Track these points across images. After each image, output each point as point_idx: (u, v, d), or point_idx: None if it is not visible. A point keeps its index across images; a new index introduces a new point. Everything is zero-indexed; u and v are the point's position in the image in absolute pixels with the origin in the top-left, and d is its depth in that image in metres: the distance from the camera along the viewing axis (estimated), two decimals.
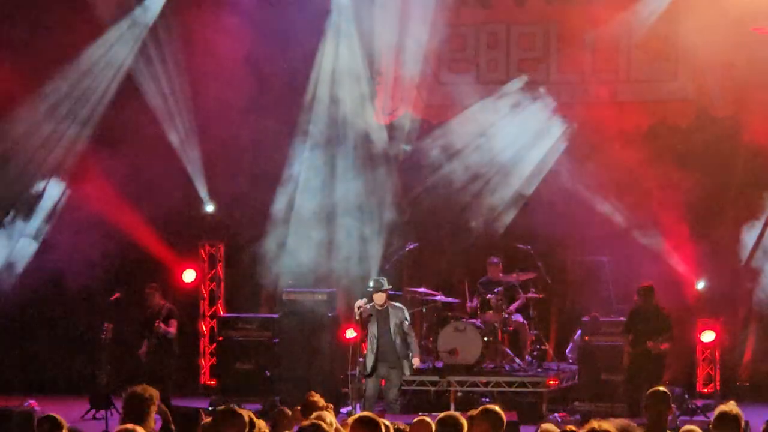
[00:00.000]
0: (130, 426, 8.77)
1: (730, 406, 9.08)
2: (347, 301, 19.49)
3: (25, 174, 20.67)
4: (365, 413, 8.36)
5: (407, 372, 16.51)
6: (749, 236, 19.86)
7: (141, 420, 8.98)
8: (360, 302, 16.51)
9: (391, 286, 16.75)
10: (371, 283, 16.73)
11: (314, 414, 9.99)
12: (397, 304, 16.79)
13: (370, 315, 16.39)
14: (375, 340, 16.39)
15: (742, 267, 19.74)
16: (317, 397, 11.31)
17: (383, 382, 16.61)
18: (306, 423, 8.54)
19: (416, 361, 16.50)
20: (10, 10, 20.43)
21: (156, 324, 17.41)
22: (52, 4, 20.12)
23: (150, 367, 17.31)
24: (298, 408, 11.38)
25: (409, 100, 20.57)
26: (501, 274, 19.28)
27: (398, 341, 16.38)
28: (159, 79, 20.43)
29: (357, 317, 16.47)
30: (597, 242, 19.69)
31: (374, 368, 16.37)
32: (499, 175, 20.17)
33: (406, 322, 16.46)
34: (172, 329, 17.53)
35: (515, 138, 20.14)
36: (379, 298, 16.38)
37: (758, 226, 19.84)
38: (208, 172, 20.76)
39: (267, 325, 19.64)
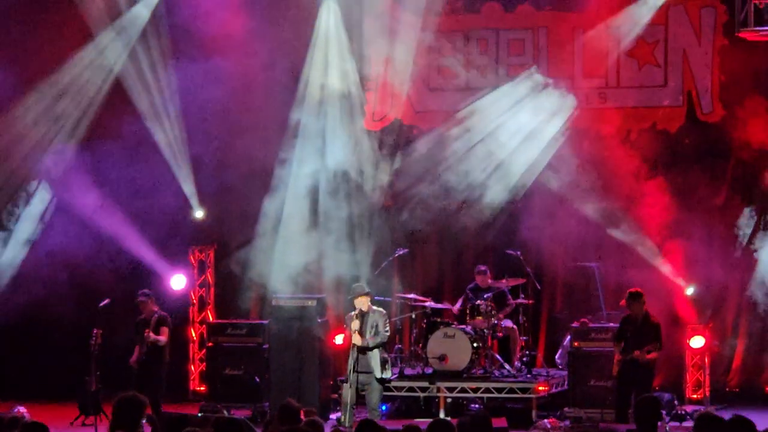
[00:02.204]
0: None
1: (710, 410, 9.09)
2: (336, 307, 19.48)
3: (14, 178, 20.64)
4: (367, 418, 8.34)
5: (378, 374, 15.93)
6: (738, 242, 19.91)
7: (130, 427, 8.95)
8: (350, 314, 16.27)
9: (369, 290, 16.47)
10: (351, 292, 16.37)
11: (307, 420, 9.97)
12: (379, 308, 16.38)
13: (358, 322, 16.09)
14: (355, 347, 15.99)
15: (731, 273, 19.76)
16: (294, 403, 11.18)
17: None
18: (284, 428, 8.53)
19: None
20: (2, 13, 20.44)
21: (145, 332, 17.32)
22: (44, 7, 20.12)
23: (140, 373, 17.25)
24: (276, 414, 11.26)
25: (399, 106, 20.60)
26: (490, 281, 19.28)
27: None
28: (148, 83, 20.41)
29: (350, 329, 16.17)
30: (587, 247, 19.72)
31: (354, 373, 15.89)
32: (489, 180, 20.17)
33: (382, 325, 16.00)
34: (163, 337, 17.35)
35: (505, 143, 20.15)
36: (361, 303, 16.04)
37: (747, 232, 19.89)
38: (198, 177, 20.74)
39: (256, 331, 19.57)
